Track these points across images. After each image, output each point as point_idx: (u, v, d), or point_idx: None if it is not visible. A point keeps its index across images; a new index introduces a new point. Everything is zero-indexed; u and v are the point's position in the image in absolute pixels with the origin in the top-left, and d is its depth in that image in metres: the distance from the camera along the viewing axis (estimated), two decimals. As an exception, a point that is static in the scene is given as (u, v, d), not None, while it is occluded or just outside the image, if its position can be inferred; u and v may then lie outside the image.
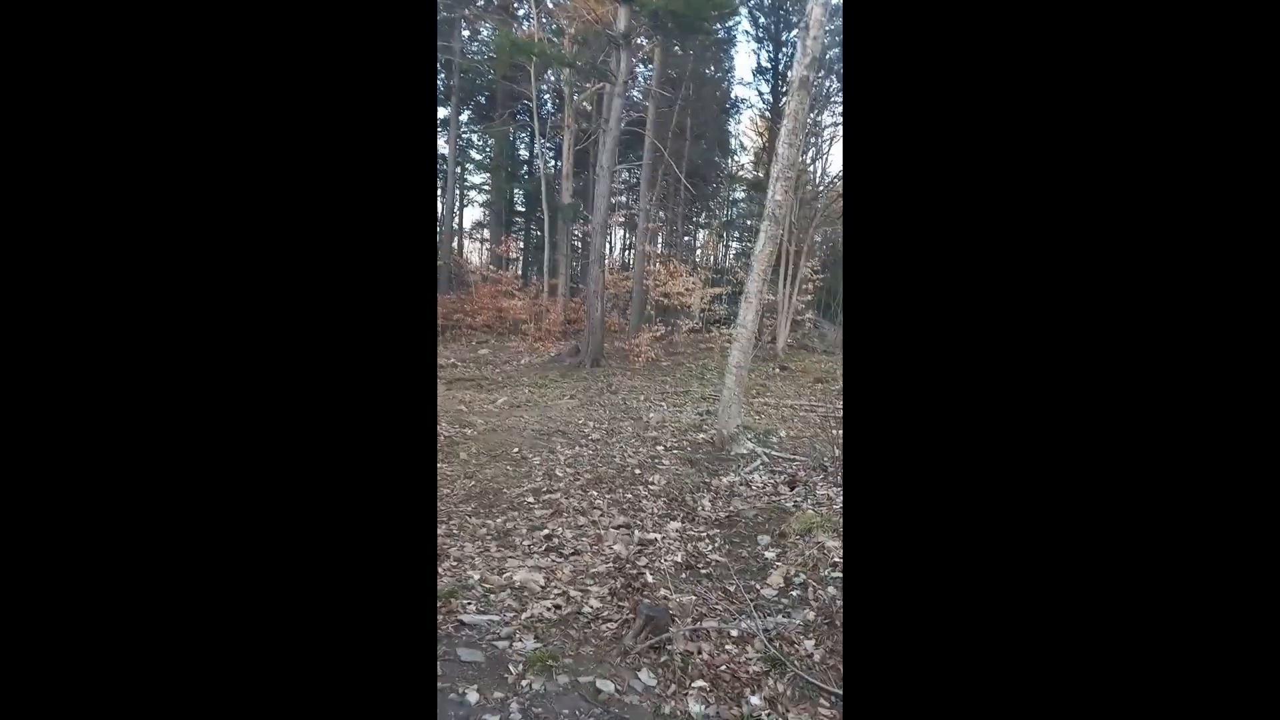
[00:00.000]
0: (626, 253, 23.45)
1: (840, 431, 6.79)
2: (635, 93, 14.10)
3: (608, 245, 12.12)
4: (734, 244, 26.12)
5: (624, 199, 21.19)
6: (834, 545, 3.09)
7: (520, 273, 16.62)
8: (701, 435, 6.17)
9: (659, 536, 3.45)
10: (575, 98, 14.54)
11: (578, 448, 5.82)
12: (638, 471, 4.75)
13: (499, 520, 3.79)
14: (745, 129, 19.79)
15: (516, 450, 5.65)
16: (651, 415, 7.42)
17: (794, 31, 15.90)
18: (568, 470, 4.93)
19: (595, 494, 4.29)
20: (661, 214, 16.91)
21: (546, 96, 17.03)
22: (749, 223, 25.44)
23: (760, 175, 17.64)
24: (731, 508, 3.90)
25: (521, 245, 20.61)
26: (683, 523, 3.68)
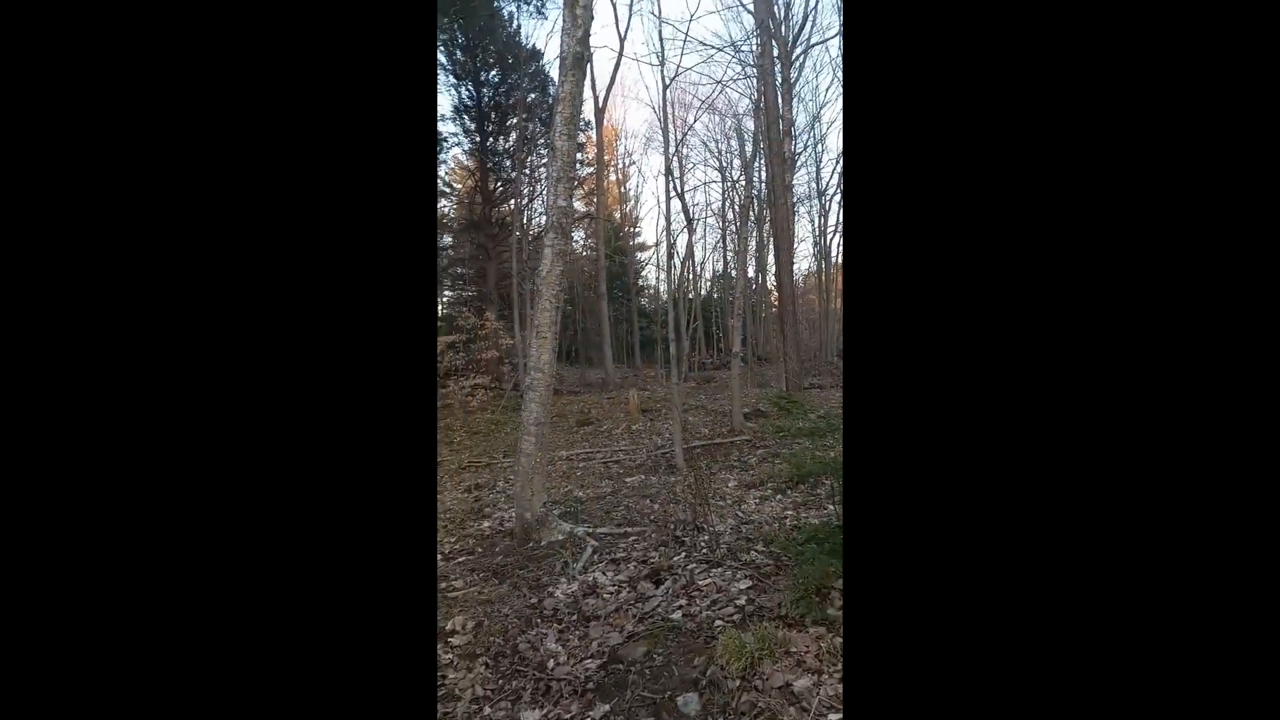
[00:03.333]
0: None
1: (633, 479, 5.83)
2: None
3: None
4: (447, 293, 24.16)
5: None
6: (805, 685, 1.95)
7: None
8: (486, 524, 4.54)
9: (515, 758, 1.87)
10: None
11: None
12: (422, 613, 2.97)
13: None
14: (451, 170, 18.20)
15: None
16: (404, 505, 5.45)
17: (503, 65, 15.11)
18: (294, 640, 2.88)
19: (359, 683, 2.43)
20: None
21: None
22: (459, 270, 23.84)
23: (473, 217, 16.30)
24: (597, 646, 2.48)
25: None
26: (539, 707, 2.14)
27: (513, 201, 14.98)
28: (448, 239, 22.38)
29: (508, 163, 15.01)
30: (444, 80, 14.15)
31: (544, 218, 16.61)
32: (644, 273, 27.95)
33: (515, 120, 14.45)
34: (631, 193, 27.29)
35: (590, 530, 3.88)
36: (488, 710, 2.14)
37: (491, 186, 14.89)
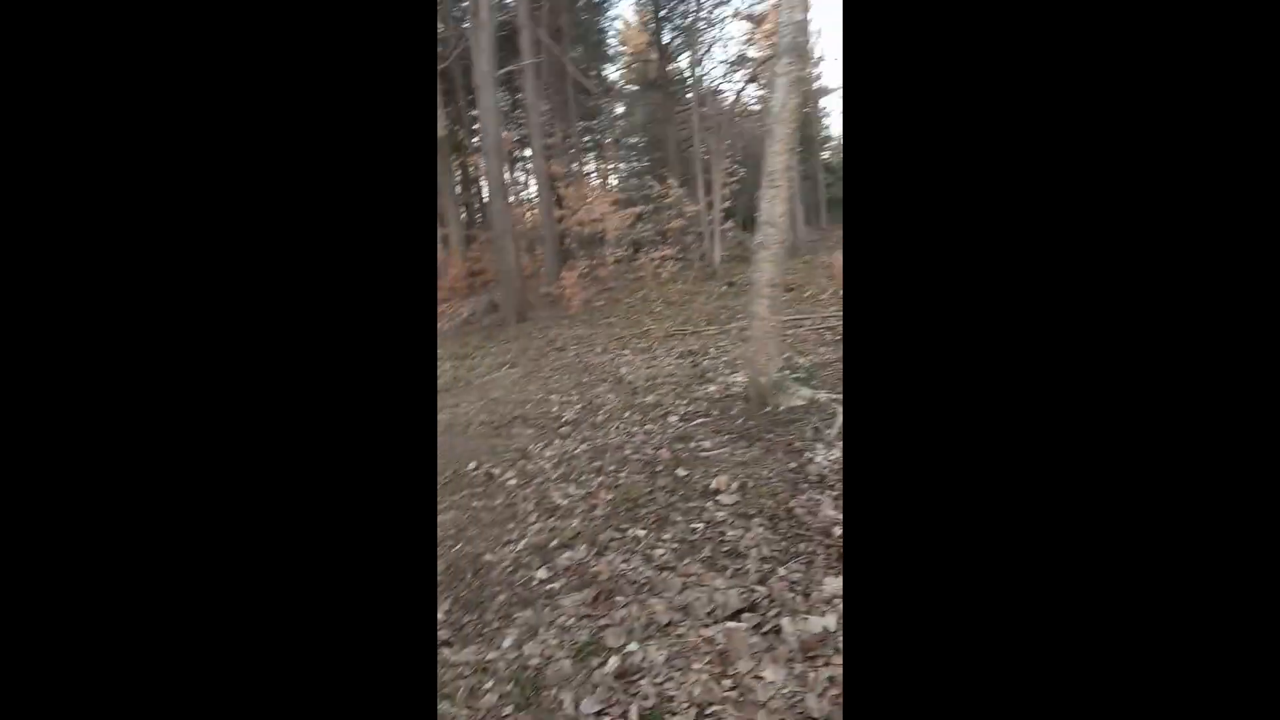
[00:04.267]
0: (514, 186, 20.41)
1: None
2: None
3: (504, 173, 9.69)
4: (622, 165, 23.76)
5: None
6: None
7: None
8: (712, 387, 4.49)
9: (836, 618, 1.77)
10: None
11: (558, 440, 3.97)
12: (681, 472, 3.01)
13: (505, 639, 1.96)
14: (619, 30, 17.10)
15: (474, 465, 3.72)
16: (626, 372, 5.64)
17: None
18: (568, 489, 3.10)
19: (641, 532, 2.53)
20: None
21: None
22: (633, 141, 23.11)
23: (647, 77, 15.35)
24: (884, 515, 2.27)
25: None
26: (839, 574, 2.01)
27: (689, 53, 13.75)
28: (619, 108, 21.62)
29: (679, 12, 13.60)
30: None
31: (722, 67, 14.93)
32: (826, 124, 24.93)
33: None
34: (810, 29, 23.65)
35: (829, 396, 3.61)
36: (781, 571, 2.06)
37: (666, 40, 13.73)
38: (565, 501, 2.95)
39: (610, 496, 2.90)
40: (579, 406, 4.73)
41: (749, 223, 20.40)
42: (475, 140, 14.62)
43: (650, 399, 4.42)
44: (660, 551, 2.34)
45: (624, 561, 2.32)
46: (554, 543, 2.56)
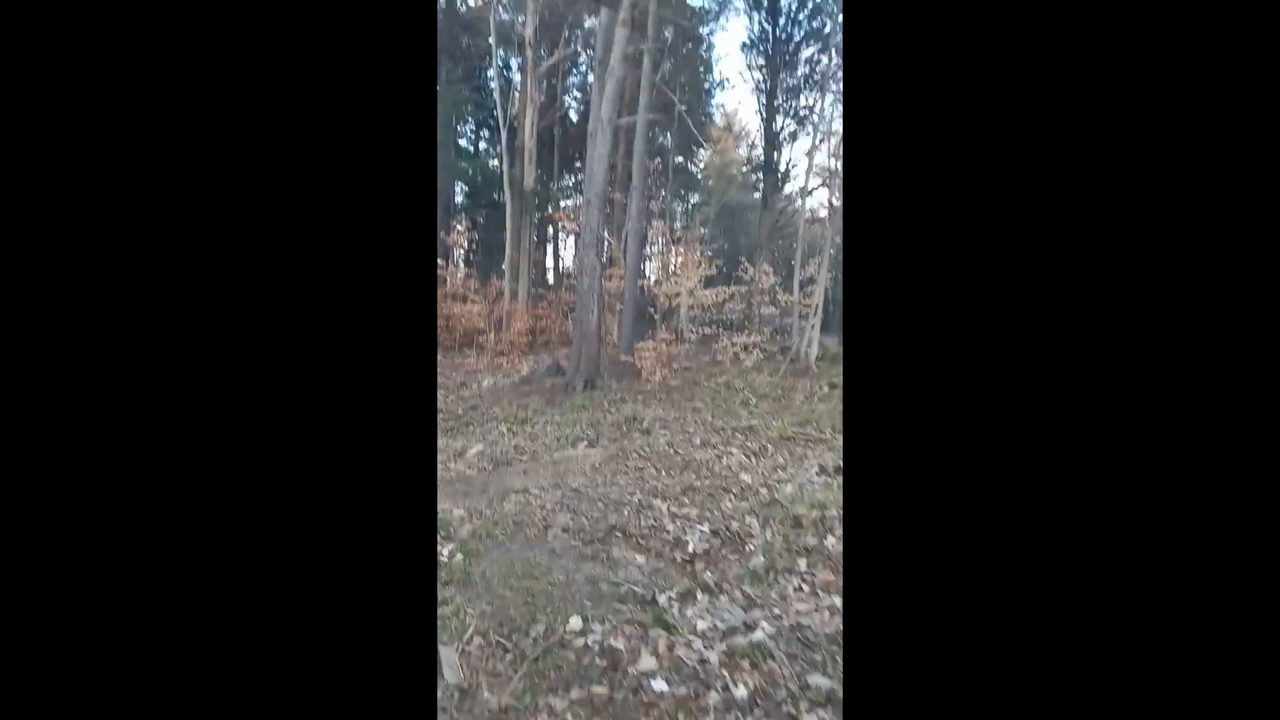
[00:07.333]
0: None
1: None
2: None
3: (603, 229, 8.69)
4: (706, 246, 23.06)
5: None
6: None
7: (468, 274, 12.76)
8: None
9: None
10: (540, 61, 11.13)
11: (703, 595, 2.46)
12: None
13: None
14: (728, 113, 16.83)
15: (579, 625, 2.20)
16: (751, 481, 4.14)
17: None
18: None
19: None
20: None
21: (498, 54, 13.42)
22: (703, 231, 22.58)
23: (735, 173, 14.73)
24: None
25: (466, 244, 16.63)
26: None
27: (796, 142, 13.08)
28: (694, 198, 21.17)
29: (799, 101, 13.06)
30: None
31: (839, 160, 14.39)
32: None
33: (810, 51, 12.41)
34: None
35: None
36: None
37: (777, 127, 13.13)
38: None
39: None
40: (706, 529, 3.22)
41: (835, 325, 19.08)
42: (567, 194, 13.98)
43: (832, 544, 2.89)
44: None
45: None
46: None
